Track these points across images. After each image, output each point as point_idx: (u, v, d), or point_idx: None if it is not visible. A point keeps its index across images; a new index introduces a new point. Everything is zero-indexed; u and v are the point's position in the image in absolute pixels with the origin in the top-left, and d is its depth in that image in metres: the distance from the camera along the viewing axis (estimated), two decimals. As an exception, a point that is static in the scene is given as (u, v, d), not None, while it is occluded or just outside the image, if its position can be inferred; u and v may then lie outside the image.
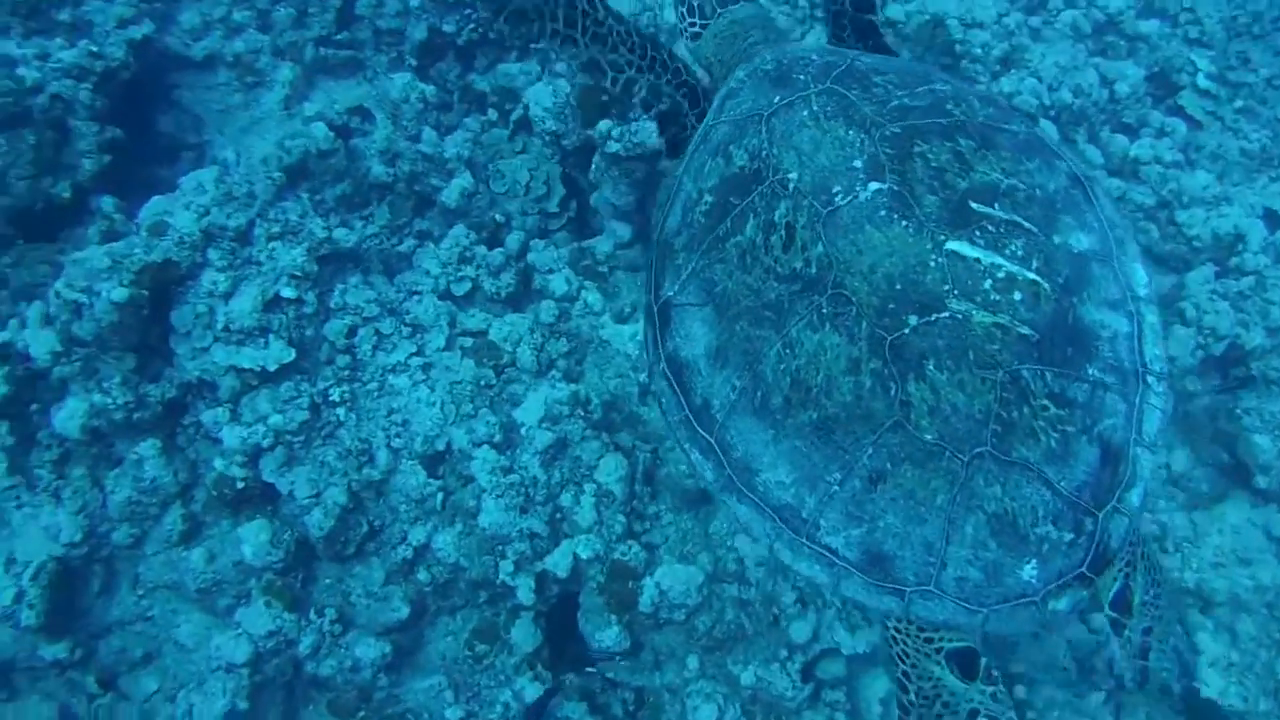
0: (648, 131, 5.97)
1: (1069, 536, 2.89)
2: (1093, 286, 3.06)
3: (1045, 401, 2.87)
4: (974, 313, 2.88)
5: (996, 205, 3.06)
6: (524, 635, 5.46)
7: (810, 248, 3.03)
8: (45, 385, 5.59)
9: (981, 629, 2.96)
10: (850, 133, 3.19)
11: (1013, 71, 6.91)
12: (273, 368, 5.44)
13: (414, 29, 7.26)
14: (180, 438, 5.65)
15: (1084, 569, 2.91)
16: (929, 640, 3.15)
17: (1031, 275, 2.95)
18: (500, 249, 6.28)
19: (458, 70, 7.38)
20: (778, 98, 3.42)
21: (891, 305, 2.90)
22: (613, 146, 6.04)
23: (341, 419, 5.56)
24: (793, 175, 3.18)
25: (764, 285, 3.10)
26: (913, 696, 3.20)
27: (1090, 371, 2.95)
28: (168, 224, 5.59)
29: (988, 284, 2.91)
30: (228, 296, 5.48)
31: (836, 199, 3.07)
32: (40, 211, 6.26)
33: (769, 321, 3.06)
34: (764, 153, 3.29)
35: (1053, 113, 6.81)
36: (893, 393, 2.87)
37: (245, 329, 5.41)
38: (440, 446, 5.55)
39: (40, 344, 5.45)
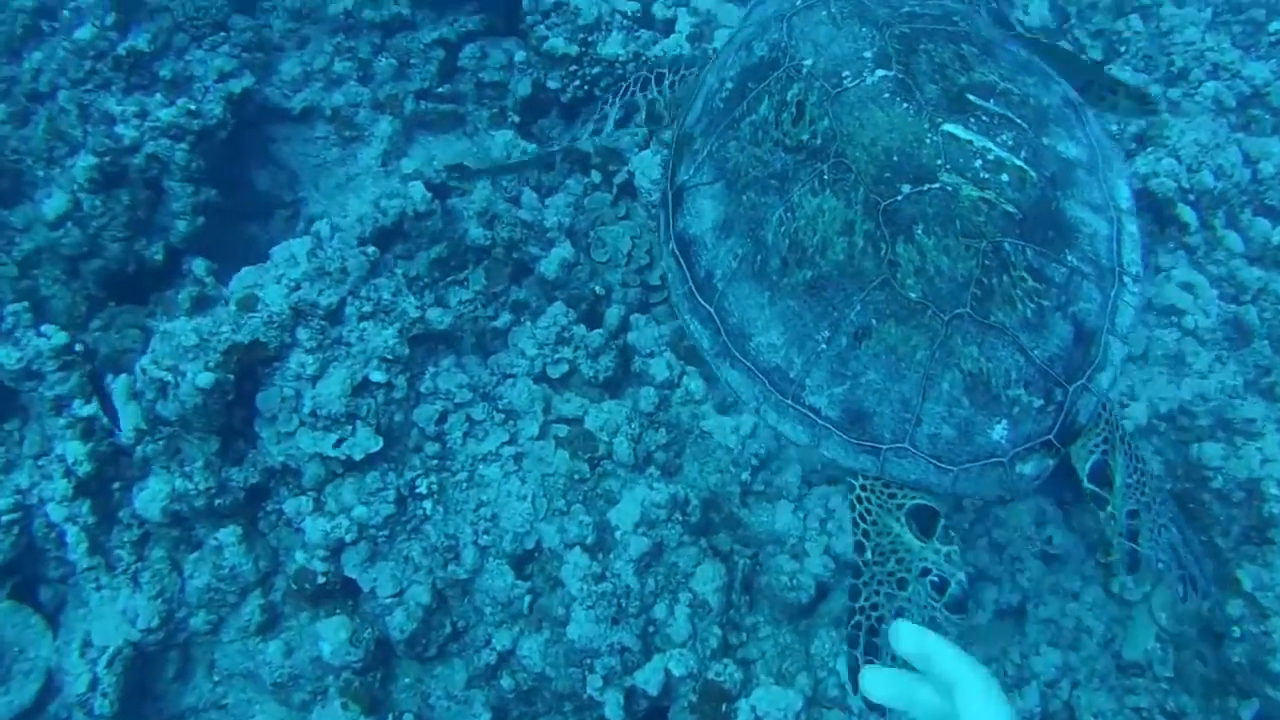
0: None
1: (1039, 402, 3.03)
2: (1077, 187, 3.25)
3: (1024, 274, 3.04)
4: (963, 186, 3.07)
5: (992, 101, 3.26)
6: (608, 745, 5.18)
7: (817, 122, 3.26)
8: (128, 462, 5.44)
9: (952, 488, 3.08)
10: (863, 29, 3.42)
11: (1149, 149, 6.47)
12: (359, 457, 5.21)
13: (518, 84, 7.00)
14: (262, 523, 5.45)
15: (1051, 436, 3.06)
16: (892, 496, 3.25)
17: (1019, 162, 3.15)
18: (599, 330, 5.98)
19: (561, 128, 7.11)
20: (800, 1, 3.64)
21: (887, 174, 3.11)
22: (722, 229, 5.73)
23: (428, 512, 5.32)
24: (807, 62, 3.42)
25: (772, 156, 3.31)
26: (869, 555, 3.28)
27: (1069, 258, 3.12)
28: (257, 298, 5.39)
29: (978, 163, 3.12)
30: (315, 379, 5.27)
31: (845, 82, 3.31)
32: (132, 273, 6.13)
33: (774, 189, 3.27)
34: (783, 44, 3.52)
35: (1192, 197, 6.35)
36: (882, 253, 3.06)
37: (332, 415, 5.19)
38: (530, 545, 5.28)
39: (125, 420, 5.29)
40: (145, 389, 5.24)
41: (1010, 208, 3.08)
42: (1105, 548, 5.88)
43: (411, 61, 7.14)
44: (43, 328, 5.59)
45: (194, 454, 5.29)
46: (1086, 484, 3.28)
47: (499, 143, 6.79)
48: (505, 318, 6.13)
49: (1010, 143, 3.19)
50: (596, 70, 6.88)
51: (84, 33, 6.46)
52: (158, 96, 6.20)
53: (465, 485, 5.46)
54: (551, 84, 6.95)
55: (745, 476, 5.57)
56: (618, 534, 5.25)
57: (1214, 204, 6.52)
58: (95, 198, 5.96)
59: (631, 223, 6.61)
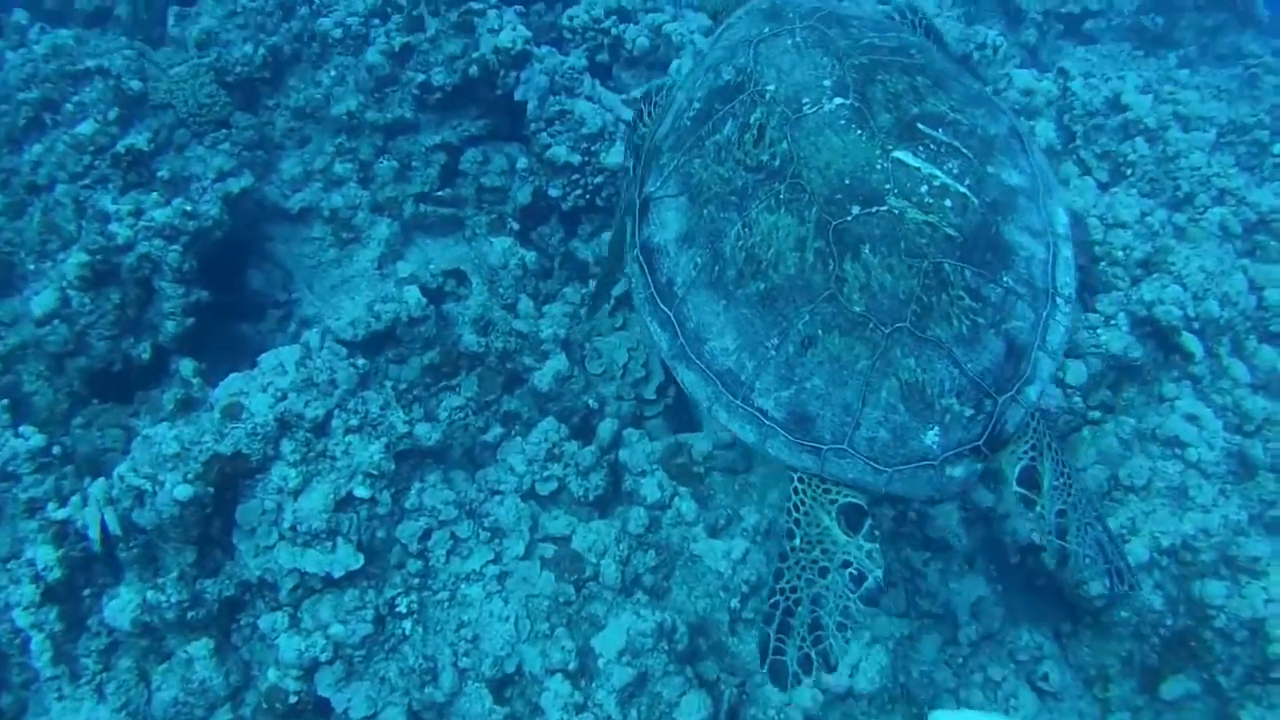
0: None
1: (969, 412, 3.23)
2: (1017, 213, 3.43)
3: (961, 293, 3.24)
4: (909, 210, 3.28)
5: (940, 131, 3.48)
6: None
7: (777, 144, 3.47)
8: (101, 568, 5.29)
9: (886, 488, 3.26)
10: (825, 59, 3.63)
11: (1154, 276, 6.38)
12: (338, 574, 5.07)
13: (519, 191, 6.96)
14: (235, 635, 5.28)
15: (980, 443, 3.25)
16: (826, 491, 3.47)
17: (963, 189, 3.35)
18: (591, 447, 5.87)
19: (560, 234, 7.06)
20: (768, 29, 3.85)
21: (839, 196, 3.32)
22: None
23: (407, 632, 5.17)
24: (771, 87, 3.62)
25: (734, 175, 3.51)
26: (798, 542, 3.49)
27: (1005, 279, 3.31)
28: (243, 406, 5.28)
29: (924, 189, 3.33)
30: (297, 493, 5.14)
31: (805, 108, 3.52)
32: (118, 371, 6.03)
33: (733, 205, 3.47)
34: (749, 69, 3.72)
35: (1197, 325, 6.25)
36: (830, 269, 3.27)
37: (313, 530, 5.06)
38: (510, 668, 5.12)
39: (97, 528, 5.15)
40: (122, 496, 5.10)
41: (952, 231, 3.29)
42: (1103, 683, 5.72)
43: (413, 164, 7.11)
44: (21, 429, 5.49)
45: (169, 564, 5.15)
46: (1015, 487, 3.50)
47: (497, 250, 6.74)
48: (496, 430, 6.02)
49: (955, 170, 3.40)
50: (599, 180, 6.83)
51: (85, 128, 6.43)
52: (154, 195, 6.14)
53: (447, 604, 5.31)
54: (553, 192, 6.91)
55: (735, 604, 5.42)
56: (601, 662, 5.08)
57: (1219, 332, 6.42)
58: (85, 295, 5.89)
59: (628, 334, 6.53)
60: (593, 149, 6.83)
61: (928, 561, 5.71)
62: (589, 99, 6.99)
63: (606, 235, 6.87)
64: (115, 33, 7.62)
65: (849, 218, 3.30)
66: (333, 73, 7.27)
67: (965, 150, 3.46)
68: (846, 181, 3.34)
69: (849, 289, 3.26)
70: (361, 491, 5.20)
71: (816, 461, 3.32)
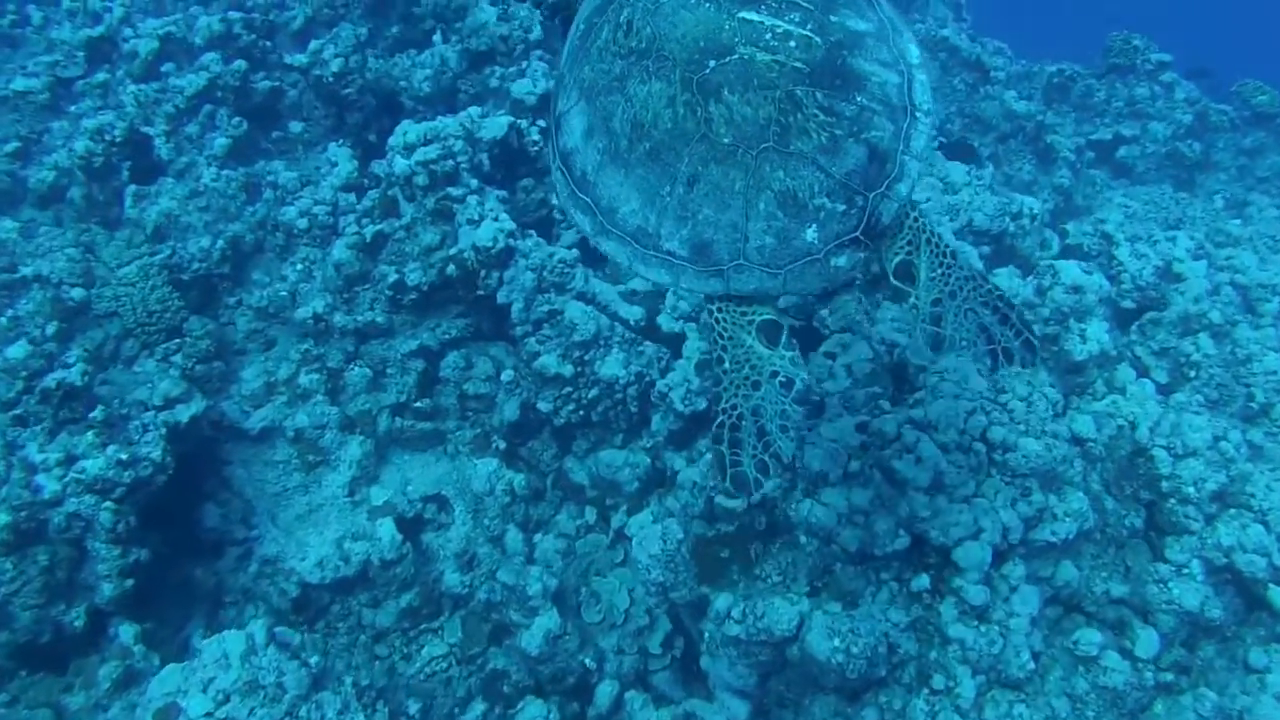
0: (776, 611, 4.82)
1: (842, 207, 3.49)
2: (864, 48, 3.69)
3: (816, 110, 3.52)
4: (757, 54, 3.57)
5: None
6: None
7: (642, 31, 3.77)
8: None
9: (783, 288, 3.57)
10: None
11: (1231, 513, 5.57)
12: None
13: (505, 405, 6.22)
14: None
15: (858, 234, 3.52)
16: (744, 314, 3.79)
17: (805, 32, 3.61)
18: (586, 736, 5.11)
19: (553, 450, 6.32)
20: None
21: (697, 57, 3.66)
22: (733, 629, 4.89)
23: None
24: None
25: (613, 65, 3.81)
26: (728, 364, 3.80)
27: (858, 98, 3.58)
28: (179, 709, 4.55)
29: (768, 36, 3.61)
30: (239, 830, 4.37)
31: None
32: (48, 641, 5.29)
33: (616, 89, 3.78)
34: None
35: (1286, 574, 5.44)
36: (699, 114, 3.59)
37: None
38: None
39: None
40: (35, 830, 4.35)
41: (799, 64, 3.56)
42: None
43: (388, 371, 6.40)
44: (-78, 742, 4.75)
45: None
46: (892, 280, 3.75)
47: (481, 473, 6.02)
48: (478, 708, 5.26)
49: (797, 19, 3.63)
50: (594, 393, 6.09)
51: (17, 350, 5.74)
52: (88, 436, 5.41)
53: None
54: (542, 405, 6.16)
55: None
56: None
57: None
58: (6, 560, 5.16)
59: (629, 572, 5.77)
60: (585, 358, 6.10)
61: None
62: (581, 297, 6.26)
63: (604, 454, 6.13)
64: (69, 218, 6.98)
65: (707, 70, 3.61)
66: (299, 266, 6.62)
67: (806, 4, 3.69)
68: (701, 44, 3.66)
69: (716, 126, 3.56)
70: (315, 824, 4.43)
71: (722, 282, 3.61)
